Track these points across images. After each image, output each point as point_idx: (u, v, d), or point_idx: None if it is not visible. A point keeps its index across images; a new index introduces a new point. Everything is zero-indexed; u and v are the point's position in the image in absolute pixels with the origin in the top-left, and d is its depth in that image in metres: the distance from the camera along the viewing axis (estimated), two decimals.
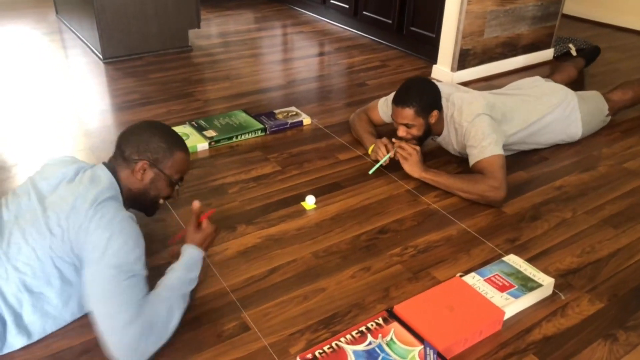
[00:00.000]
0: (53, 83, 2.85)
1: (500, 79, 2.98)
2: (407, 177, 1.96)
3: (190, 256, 1.33)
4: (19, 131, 2.32)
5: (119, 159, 1.40)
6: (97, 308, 1.17)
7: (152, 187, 1.41)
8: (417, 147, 1.92)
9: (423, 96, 1.88)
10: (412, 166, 1.92)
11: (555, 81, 2.44)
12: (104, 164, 1.40)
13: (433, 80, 2.01)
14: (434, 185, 1.91)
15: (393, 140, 1.97)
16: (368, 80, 2.98)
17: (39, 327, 1.25)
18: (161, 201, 1.48)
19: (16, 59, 3.17)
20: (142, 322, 1.16)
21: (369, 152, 2.11)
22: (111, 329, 1.15)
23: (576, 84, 2.83)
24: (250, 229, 1.71)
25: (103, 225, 1.21)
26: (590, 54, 3.10)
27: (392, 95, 2.15)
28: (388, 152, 1.98)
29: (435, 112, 1.92)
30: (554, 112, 2.13)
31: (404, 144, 1.93)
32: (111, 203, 1.27)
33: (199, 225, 1.39)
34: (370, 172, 2.01)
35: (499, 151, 1.85)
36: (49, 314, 1.25)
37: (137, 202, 1.44)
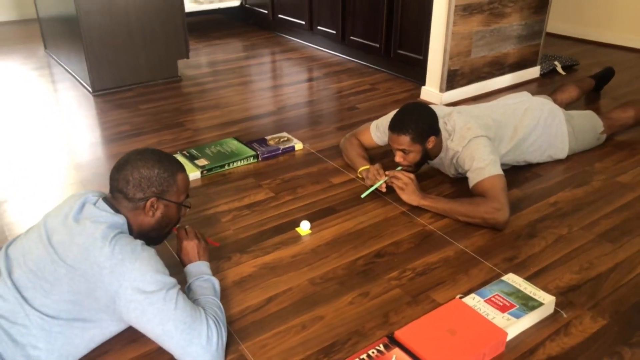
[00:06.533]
0: (43, 117, 2.83)
1: (489, 97, 3.00)
2: (400, 199, 1.95)
3: (189, 271, 1.43)
4: (8, 166, 2.30)
5: (121, 200, 1.32)
6: (168, 333, 1.19)
7: (164, 218, 1.38)
8: (412, 175, 1.90)
9: (419, 122, 1.87)
10: (410, 195, 1.89)
11: (556, 100, 2.46)
12: (104, 199, 1.32)
13: (429, 105, 2.00)
14: (432, 212, 1.89)
15: (387, 173, 1.94)
16: (358, 103, 3.00)
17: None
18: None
19: (5, 95, 3.16)
20: (213, 323, 1.24)
21: (358, 174, 2.11)
22: (195, 344, 1.20)
23: (592, 103, 2.85)
24: (245, 257, 1.68)
25: (127, 258, 1.19)
26: (602, 75, 3.00)
27: (383, 118, 2.16)
28: (382, 177, 1.95)
29: (432, 138, 1.90)
30: (537, 128, 2.13)
31: (398, 174, 1.90)
32: (122, 236, 1.24)
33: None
34: (363, 195, 1.98)
35: (498, 171, 1.84)
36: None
37: (151, 236, 1.40)
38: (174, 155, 2.22)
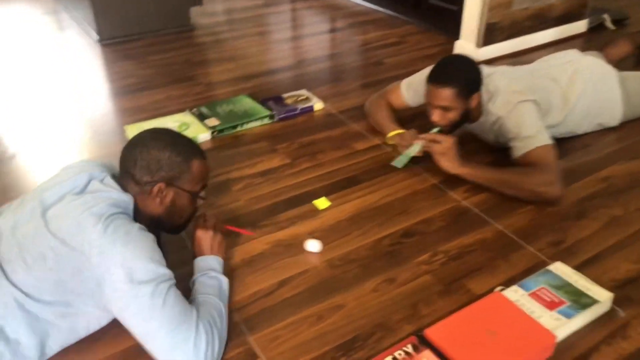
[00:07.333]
0: (49, 67, 2.65)
1: (530, 54, 2.72)
2: (432, 169, 1.74)
3: (197, 264, 1.26)
4: (14, 119, 2.15)
5: (129, 182, 1.19)
6: (151, 333, 1.04)
7: (175, 207, 1.23)
8: (454, 139, 1.65)
9: (465, 74, 1.62)
10: (451, 162, 1.64)
11: (607, 55, 2.17)
12: (113, 177, 1.20)
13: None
14: (473, 181, 1.66)
15: (422, 136, 1.68)
16: (385, 58, 2.74)
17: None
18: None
19: (10, 42, 2.97)
20: (204, 329, 1.06)
21: (387, 139, 1.88)
22: (179, 349, 1.03)
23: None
24: (257, 233, 1.51)
25: (119, 239, 1.05)
26: None
27: (415, 76, 1.92)
28: (419, 142, 1.70)
29: (476, 95, 1.66)
30: (586, 94, 1.87)
31: (438, 137, 1.65)
32: (121, 216, 1.10)
33: None
34: (399, 164, 1.74)
35: (548, 140, 1.61)
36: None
37: (161, 226, 1.25)
38: (184, 114, 2.07)
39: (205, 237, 1.29)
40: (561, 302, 1.23)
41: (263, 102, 2.18)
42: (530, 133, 1.61)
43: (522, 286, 1.28)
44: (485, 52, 2.68)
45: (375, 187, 1.70)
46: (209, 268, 1.24)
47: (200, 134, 1.96)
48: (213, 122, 2.03)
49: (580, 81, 1.87)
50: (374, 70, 2.61)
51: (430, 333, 1.15)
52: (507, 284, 1.31)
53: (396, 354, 1.11)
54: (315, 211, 1.59)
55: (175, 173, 1.19)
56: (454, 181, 1.69)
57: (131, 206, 1.16)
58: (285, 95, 2.26)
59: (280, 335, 1.20)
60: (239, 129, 2.03)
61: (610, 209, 1.60)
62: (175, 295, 1.07)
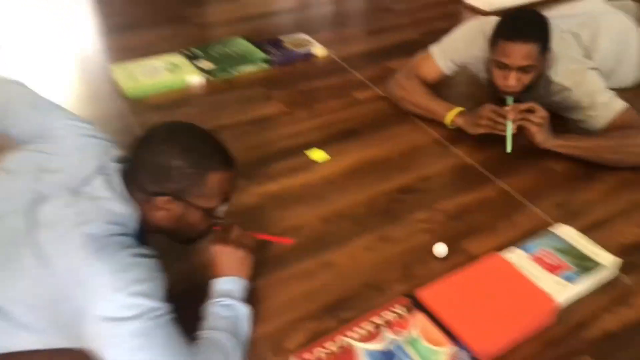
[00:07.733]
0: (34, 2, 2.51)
1: (547, 5, 2.56)
2: (435, 123, 1.65)
3: (212, 288, 1.05)
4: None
5: (134, 184, 0.98)
6: None
7: (182, 223, 1.02)
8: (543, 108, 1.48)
9: (544, 27, 1.45)
10: (545, 134, 1.46)
11: None
12: (124, 173, 0.99)
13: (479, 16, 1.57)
14: (569, 154, 1.50)
15: (505, 109, 1.46)
16: (393, 4, 2.58)
17: None
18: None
19: None
20: None
21: (449, 123, 1.62)
22: None
23: None
24: (247, 184, 1.43)
25: (105, 269, 0.86)
26: None
27: (445, 41, 1.70)
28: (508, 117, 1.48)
29: (549, 52, 1.50)
30: (608, 52, 1.74)
31: (533, 107, 1.46)
32: (114, 239, 0.91)
33: None
34: (509, 150, 1.49)
35: (625, 102, 1.51)
36: None
37: (170, 238, 1.07)
38: (174, 55, 1.93)
39: (223, 253, 1.06)
40: (564, 266, 1.17)
41: (260, 45, 2.06)
42: (605, 100, 1.51)
43: (523, 248, 1.21)
44: (497, 2, 2.53)
45: (374, 141, 1.61)
46: (225, 294, 1.02)
47: (190, 76, 1.85)
48: (205, 64, 1.91)
49: (604, 40, 1.73)
50: (381, 16, 2.46)
51: (423, 294, 1.09)
52: (509, 246, 1.24)
53: (385, 314, 1.05)
54: (311, 163, 1.51)
55: (186, 186, 0.98)
56: (457, 136, 1.60)
57: (133, 222, 0.97)
58: (284, 38, 2.13)
59: (267, 293, 1.14)
60: (233, 73, 1.92)
61: (621, 171, 1.51)
62: (165, 333, 0.88)
